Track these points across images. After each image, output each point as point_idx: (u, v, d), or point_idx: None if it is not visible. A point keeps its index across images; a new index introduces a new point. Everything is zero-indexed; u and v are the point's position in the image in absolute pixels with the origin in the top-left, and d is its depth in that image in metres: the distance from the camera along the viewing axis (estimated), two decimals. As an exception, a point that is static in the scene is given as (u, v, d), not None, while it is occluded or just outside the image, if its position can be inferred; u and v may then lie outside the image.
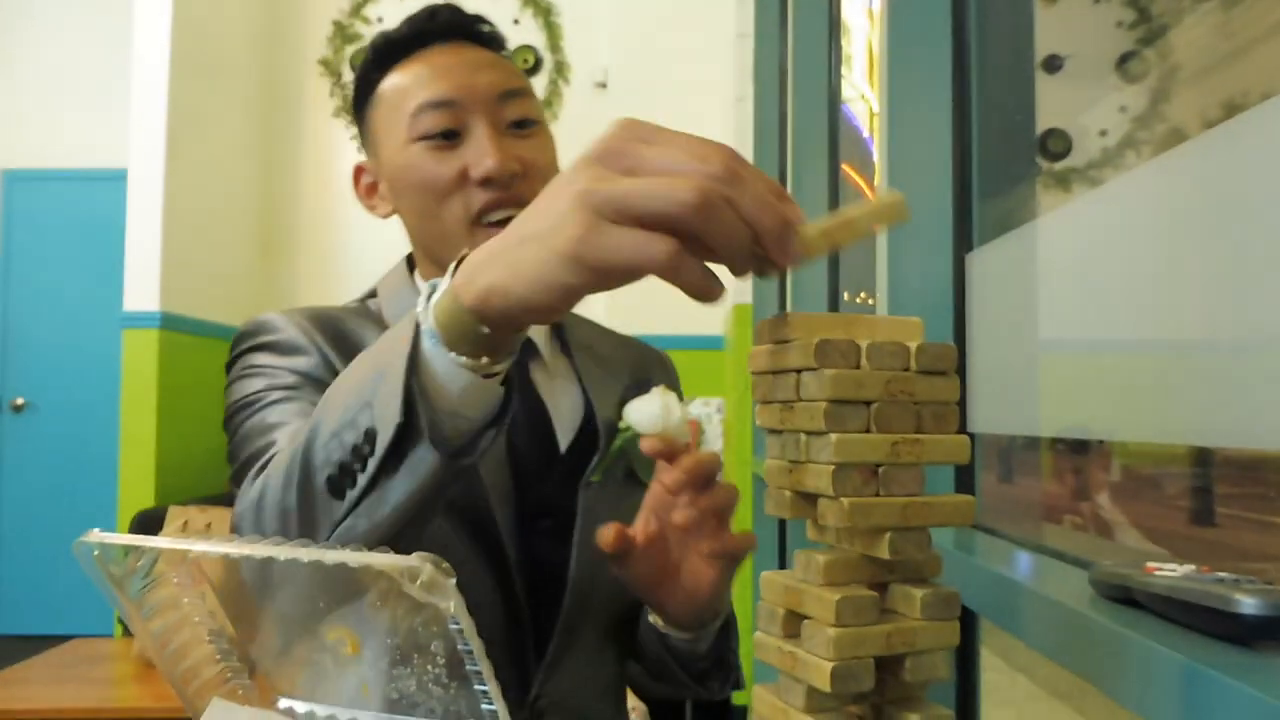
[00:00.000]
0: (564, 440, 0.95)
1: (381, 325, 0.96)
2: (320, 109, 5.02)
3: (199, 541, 0.50)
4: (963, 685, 1.06)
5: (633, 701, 2.21)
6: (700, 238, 0.45)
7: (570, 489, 0.93)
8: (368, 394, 0.62)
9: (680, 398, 1.06)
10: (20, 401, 4.82)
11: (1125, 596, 0.64)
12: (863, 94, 2.67)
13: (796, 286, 2.70)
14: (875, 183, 2.36)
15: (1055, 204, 1.26)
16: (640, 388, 0.98)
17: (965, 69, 1.21)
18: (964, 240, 1.19)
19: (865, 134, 2.64)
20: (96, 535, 0.53)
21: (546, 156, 0.94)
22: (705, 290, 0.47)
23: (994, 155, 1.25)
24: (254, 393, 0.89)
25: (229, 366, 0.95)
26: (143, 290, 4.07)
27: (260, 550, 0.48)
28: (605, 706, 0.97)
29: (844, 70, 2.47)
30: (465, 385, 0.60)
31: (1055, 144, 1.82)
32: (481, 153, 0.89)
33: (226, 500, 4.28)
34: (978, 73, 1.21)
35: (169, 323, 4.09)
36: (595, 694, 0.96)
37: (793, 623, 0.49)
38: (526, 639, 0.90)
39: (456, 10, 0.97)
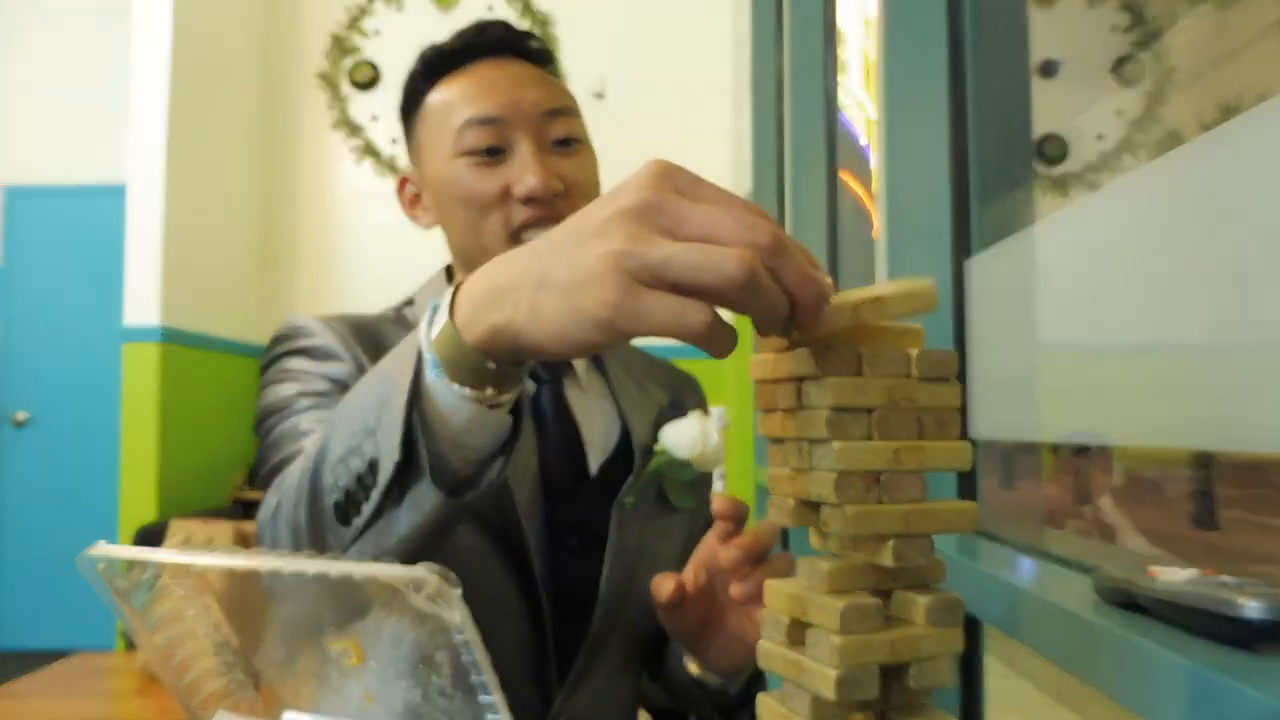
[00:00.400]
0: (595, 461, 0.95)
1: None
2: (318, 122, 5.03)
3: (203, 554, 0.51)
4: (967, 692, 1.06)
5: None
6: (736, 307, 0.44)
7: (600, 509, 0.93)
8: (372, 420, 0.61)
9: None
10: (22, 416, 4.81)
11: (1128, 601, 0.64)
12: (859, 101, 2.68)
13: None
14: (873, 189, 2.36)
15: (1053, 209, 1.26)
16: (676, 409, 0.98)
17: (961, 74, 1.22)
18: (962, 246, 1.19)
19: (862, 141, 2.65)
20: (101, 549, 0.53)
21: (588, 175, 0.94)
22: (727, 350, 0.46)
23: (991, 160, 1.25)
24: (286, 398, 0.89)
25: (263, 370, 0.94)
26: (143, 304, 4.08)
27: (264, 563, 0.48)
28: (651, 684, 0.98)
29: (840, 77, 2.48)
30: (469, 416, 0.58)
31: (1052, 149, 1.83)
32: (524, 170, 0.89)
33: (228, 513, 4.28)
34: (974, 77, 1.22)
35: (170, 336, 4.10)
36: (615, 711, 0.96)
37: (797, 631, 0.49)
38: (549, 656, 0.90)
39: (506, 26, 0.97)
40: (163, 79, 4.12)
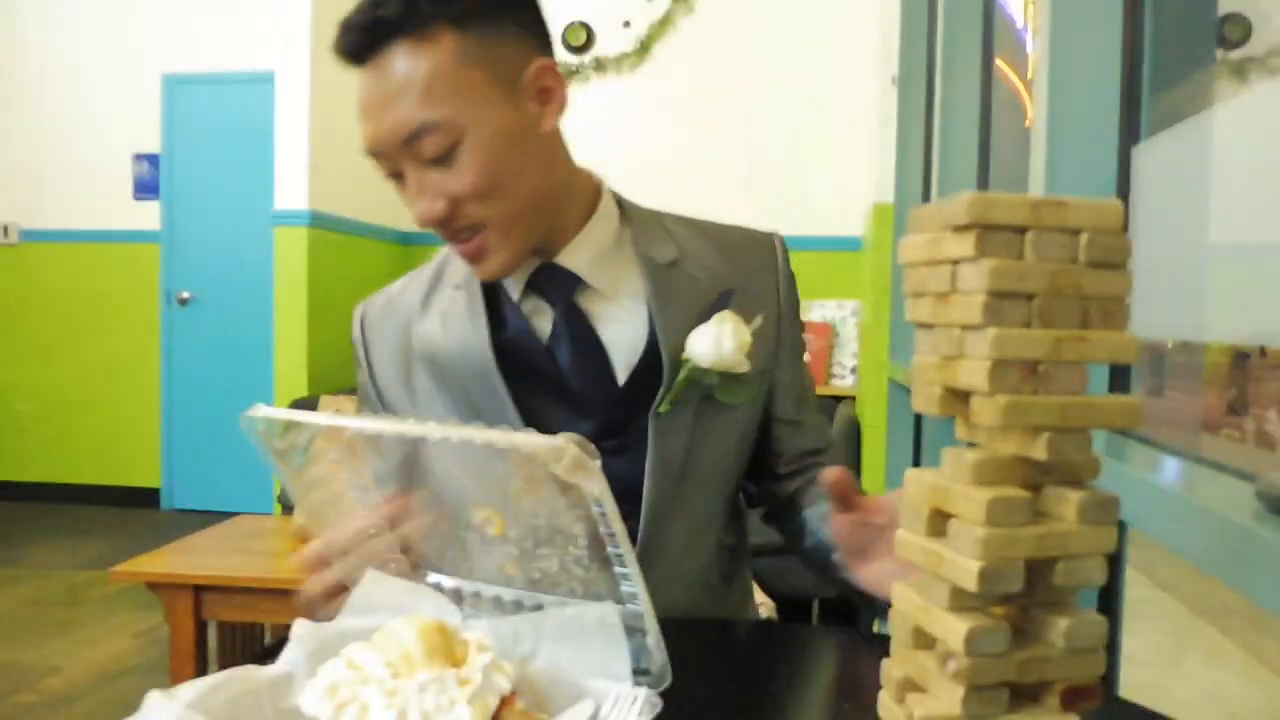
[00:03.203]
0: (622, 374, 0.94)
1: (442, 282, 1.00)
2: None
3: (355, 420, 0.53)
4: (1105, 595, 1.03)
5: (760, 597, 2.24)
6: None
7: (639, 415, 0.93)
8: None
9: (789, 282, 1.02)
10: (185, 295, 5.11)
11: (1297, 511, 0.60)
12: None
13: (943, 182, 2.59)
14: (1029, 77, 2.22)
15: (1231, 96, 1.16)
16: (722, 301, 0.95)
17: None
18: (1131, 132, 1.11)
19: (1019, 24, 2.48)
20: (261, 410, 0.55)
21: (472, 181, 0.86)
22: None
23: (1169, 40, 1.15)
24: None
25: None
26: (292, 189, 4.23)
27: (411, 429, 0.49)
28: (695, 595, 0.98)
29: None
30: None
31: (1233, 30, 1.67)
32: (412, 201, 0.88)
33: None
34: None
35: (317, 220, 4.25)
36: (682, 589, 0.96)
37: (938, 522, 0.47)
38: None
39: (355, 29, 0.87)
40: (308, -34, 4.18)
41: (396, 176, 0.89)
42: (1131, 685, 1.07)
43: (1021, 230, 0.43)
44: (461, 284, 0.97)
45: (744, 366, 0.92)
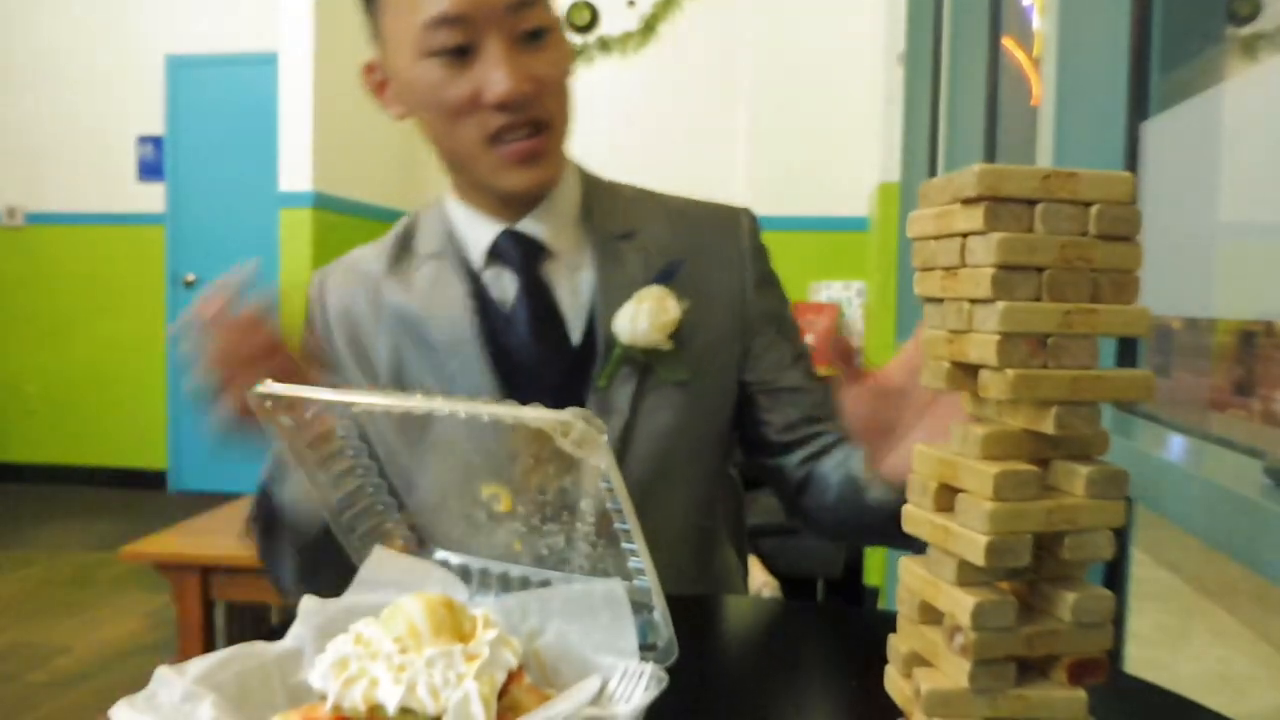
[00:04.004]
0: (575, 337, 0.94)
1: (409, 254, 0.99)
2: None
3: (362, 395, 0.53)
4: (1111, 572, 1.03)
5: (764, 577, 2.25)
6: None
7: (586, 390, 0.93)
8: None
9: (756, 254, 1.00)
10: (191, 277, 5.12)
11: (1306, 486, 0.60)
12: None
13: (949, 161, 2.57)
14: (1034, 53, 2.20)
15: (1239, 73, 1.14)
16: (666, 274, 0.94)
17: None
18: (1139, 109, 1.10)
19: (1026, 2, 2.46)
20: (268, 386, 0.55)
21: (560, 69, 0.89)
22: None
23: (1178, 14, 1.14)
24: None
25: None
26: (296, 171, 4.23)
27: (419, 405, 0.49)
28: (678, 561, 0.96)
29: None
30: None
31: (1242, 6, 1.65)
32: (494, 75, 0.85)
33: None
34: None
35: (321, 202, 4.24)
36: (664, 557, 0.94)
37: (946, 496, 0.47)
38: None
39: None
40: (310, -53, 4.16)
41: (460, 52, 0.86)
42: (1137, 663, 1.07)
43: (1031, 203, 0.43)
44: (436, 253, 0.97)
45: (666, 345, 0.91)
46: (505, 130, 0.87)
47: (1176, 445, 0.87)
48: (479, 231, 0.96)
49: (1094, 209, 0.43)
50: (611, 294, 0.93)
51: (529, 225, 0.95)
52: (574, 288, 0.96)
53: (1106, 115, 1.11)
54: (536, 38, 0.87)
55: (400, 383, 0.94)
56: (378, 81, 0.96)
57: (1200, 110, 0.97)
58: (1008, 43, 2.31)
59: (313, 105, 4.19)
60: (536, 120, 0.87)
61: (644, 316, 0.89)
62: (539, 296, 0.94)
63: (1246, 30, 1.68)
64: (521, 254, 0.95)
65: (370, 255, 1.02)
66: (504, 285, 0.95)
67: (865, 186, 3.96)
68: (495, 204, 0.95)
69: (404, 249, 1.00)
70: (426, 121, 0.92)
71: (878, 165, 3.52)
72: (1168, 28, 1.13)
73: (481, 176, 0.91)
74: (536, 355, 0.93)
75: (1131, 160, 1.08)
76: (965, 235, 0.45)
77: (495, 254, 0.95)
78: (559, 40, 0.89)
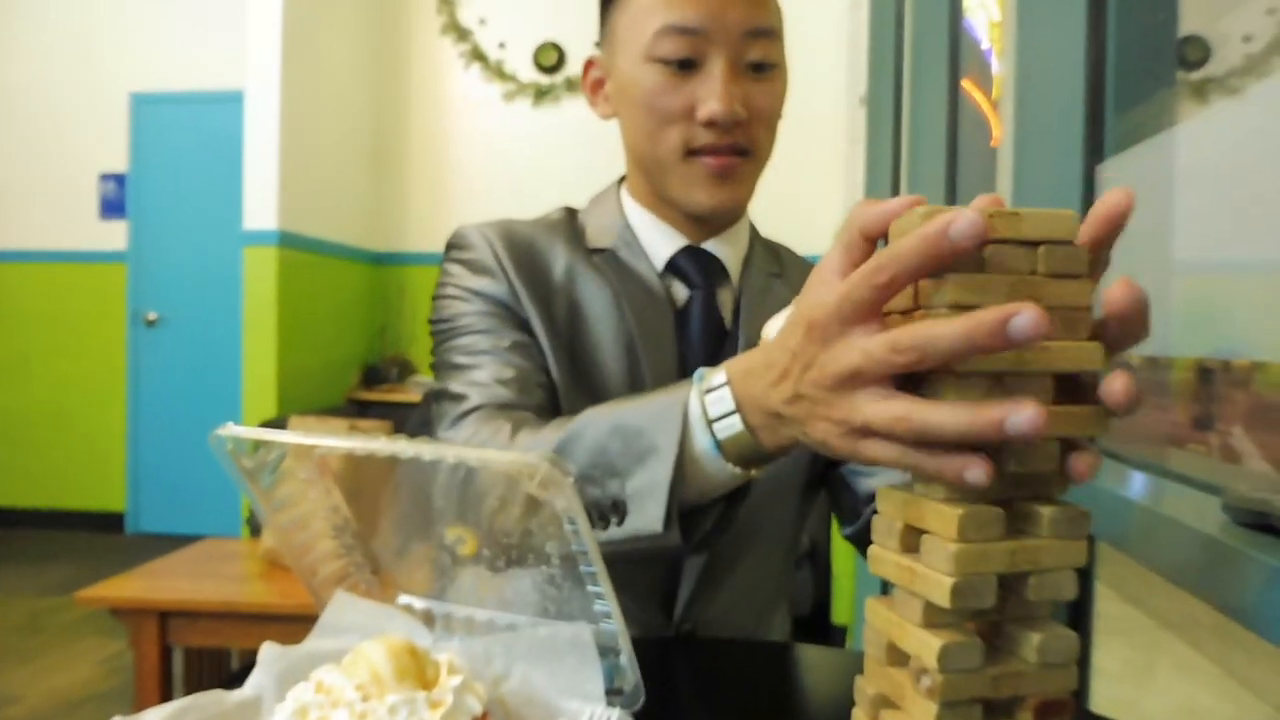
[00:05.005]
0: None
1: (580, 241, 0.98)
2: (428, 27, 5.02)
3: (325, 437, 0.52)
4: (1075, 610, 1.04)
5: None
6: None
7: None
8: (620, 465, 0.67)
9: None
10: (153, 316, 5.05)
11: (1262, 523, 0.61)
12: (982, 1, 2.54)
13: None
14: (994, 97, 2.24)
15: (1190, 116, 1.18)
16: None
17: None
18: (1095, 151, 1.12)
19: (984, 45, 2.52)
20: (230, 429, 0.55)
21: (774, 103, 0.92)
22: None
23: (1132, 61, 1.17)
24: (452, 315, 0.94)
25: (442, 269, 1.00)
26: (261, 209, 4.20)
27: (383, 447, 0.49)
28: (757, 625, 0.99)
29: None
30: (727, 482, 0.66)
31: (1192, 52, 1.70)
32: (711, 92, 0.88)
33: (344, 412, 4.45)
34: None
35: (287, 240, 4.22)
36: (750, 616, 0.97)
37: (911, 537, 0.47)
38: (678, 566, 0.92)
39: None
40: (277, -15, 4.17)
41: (686, 64, 0.89)
42: (1103, 700, 1.07)
43: (981, 244, 0.44)
44: (612, 246, 0.97)
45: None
46: (705, 151, 0.90)
47: (1137, 482, 0.88)
48: (659, 241, 0.97)
49: (1041, 249, 0.44)
50: (761, 319, 0.95)
51: (714, 246, 0.97)
52: (731, 310, 0.98)
53: (1064, 156, 1.13)
54: (760, 70, 0.90)
55: (573, 347, 0.94)
56: (595, 79, 1.00)
57: (1154, 152, 0.99)
58: (967, 85, 2.36)
59: (279, 143, 4.18)
60: (739, 146, 0.90)
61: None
62: (713, 309, 0.96)
63: (1197, 75, 1.73)
64: (703, 271, 0.97)
65: (532, 228, 0.99)
66: (676, 295, 0.97)
67: (830, 225, 4.01)
68: (678, 219, 0.97)
69: (576, 238, 0.99)
70: (633, 123, 0.94)
71: (841, 204, 3.56)
72: (1121, 72, 1.15)
73: (672, 188, 0.93)
74: (703, 356, 0.95)
75: (1088, 200, 1.11)
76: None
77: (672, 267, 0.97)
78: (780, 78, 0.93)
